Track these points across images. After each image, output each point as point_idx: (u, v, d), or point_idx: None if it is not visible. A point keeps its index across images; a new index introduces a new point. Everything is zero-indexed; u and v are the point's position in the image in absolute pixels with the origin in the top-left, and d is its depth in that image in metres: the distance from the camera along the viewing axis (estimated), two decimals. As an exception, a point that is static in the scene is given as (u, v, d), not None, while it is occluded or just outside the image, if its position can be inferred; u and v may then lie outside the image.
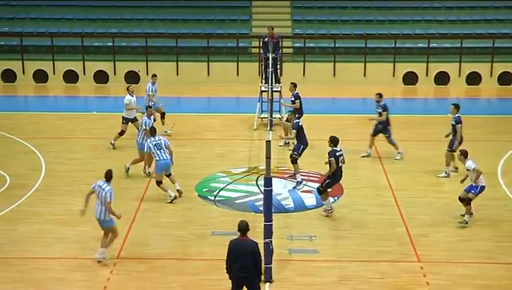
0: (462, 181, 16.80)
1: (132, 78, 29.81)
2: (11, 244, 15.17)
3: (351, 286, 13.92)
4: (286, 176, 19.40)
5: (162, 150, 17.76)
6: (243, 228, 12.38)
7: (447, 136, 19.56)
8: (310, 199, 18.04)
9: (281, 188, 18.40)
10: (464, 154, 16.59)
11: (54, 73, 30.05)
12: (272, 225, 14.01)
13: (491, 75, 29.77)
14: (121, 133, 21.34)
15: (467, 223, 16.30)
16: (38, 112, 25.81)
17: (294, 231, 16.21)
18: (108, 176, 14.68)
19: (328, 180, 16.89)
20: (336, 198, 18.14)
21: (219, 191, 18.50)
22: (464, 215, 16.46)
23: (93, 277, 14.21)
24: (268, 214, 13.96)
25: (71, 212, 17.18)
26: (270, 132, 16.88)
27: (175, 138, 22.44)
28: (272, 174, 14.08)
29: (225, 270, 12.48)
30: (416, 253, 15.23)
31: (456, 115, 19.31)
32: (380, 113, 20.52)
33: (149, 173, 19.17)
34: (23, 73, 30.04)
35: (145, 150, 18.05)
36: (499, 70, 29.80)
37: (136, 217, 16.97)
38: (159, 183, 17.85)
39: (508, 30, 31.10)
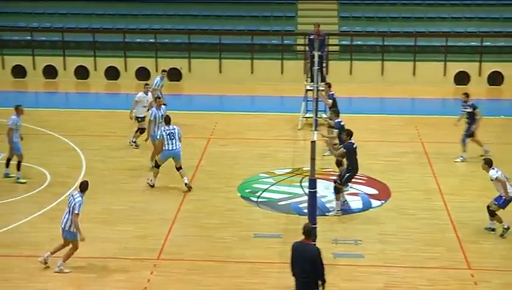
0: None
1: (174, 75, 30.01)
2: (51, 243, 15.36)
3: (398, 293, 13.84)
4: (331, 177, 19.33)
5: (174, 140, 18.24)
6: (307, 231, 12.18)
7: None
8: (355, 202, 17.96)
9: (325, 190, 18.34)
10: (488, 163, 16.10)
11: (95, 69, 30.39)
12: (316, 227, 13.96)
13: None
14: (141, 131, 21.46)
15: (508, 229, 16.00)
16: (79, 109, 26.14)
17: (339, 234, 16.15)
18: (83, 187, 14.42)
19: (347, 174, 16.92)
20: (382, 201, 18.03)
21: (262, 193, 18.53)
22: (505, 228, 16.03)
23: (133, 278, 14.34)
24: (312, 217, 13.92)
25: (111, 211, 17.41)
26: (315, 132, 16.82)
27: (217, 137, 22.56)
28: (316, 176, 14.05)
29: (291, 273, 12.33)
30: (467, 260, 15.05)
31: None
32: (469, 113, 20.49)
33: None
34: (64, 69, 30.44)
35: (158, 136, 18.52)
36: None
37: (176, 217, 17.08)
38: (156, 166, 18.40)
39: None
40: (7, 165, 19.07)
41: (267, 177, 19.53)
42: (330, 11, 32.16)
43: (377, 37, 30.59)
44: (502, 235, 15.98)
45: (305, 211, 16.00)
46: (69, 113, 25.56)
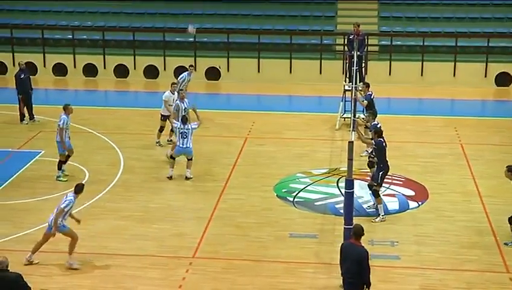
0: None
1: (212, 74, 30.14)
2: (88, 240, 15.59)
3: (434, 295, 13.75)
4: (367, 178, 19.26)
5: (186, 139, 18.97)
6: (357, 232, 12.20)
7: None
8: (392, 203, 17.87)
9: (361, 191, 18.28)
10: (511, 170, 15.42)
11: (134, 68, 30.65)
12: (352, 228, 13.93)
13: None
14: (161, 129, 21.65)
15: None
16: (119, 107, 26.38)
17: (375, 235, 16.08)
18: (78, 189, 14.74)
19: (380, 173, 16.81)
20: (420, 203, 17.92)
21: (298, 192, 18.54)
22: None
23: (169, 275, 14.47)
24: (348, 217, 13.91)
25: (148, 209, 17.56)
26: (353, 132, 16.79)
27: (254, 136, 22.61)
28: (353, 176, 14.02)
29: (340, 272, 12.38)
30: (505, 263, 14.89)
31: None
32: None
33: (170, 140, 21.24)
34: (104, 68, 30.73)
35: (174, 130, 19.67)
36: None
37: (213, 216, 17.17)
38: (172, 157, 19.34)
39: None
40: (59, 167, 19.19)
41: (304, 177, 19.53)
42: (370, 11, 32.02)
43: (417, 38, 30.36)
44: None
45: (342, 211, 16.00)
46: (108, 111, 25.83)
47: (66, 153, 19.17)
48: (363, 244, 12.17)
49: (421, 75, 29.47)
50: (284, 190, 18.76)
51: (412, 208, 17.69)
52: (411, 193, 18.53)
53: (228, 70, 30.25)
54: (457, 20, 31.16)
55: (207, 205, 17.72)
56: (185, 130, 18.97)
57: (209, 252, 15.44)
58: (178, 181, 19.21)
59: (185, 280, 14.32)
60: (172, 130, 21.51)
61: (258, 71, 30.07)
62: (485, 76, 29.22)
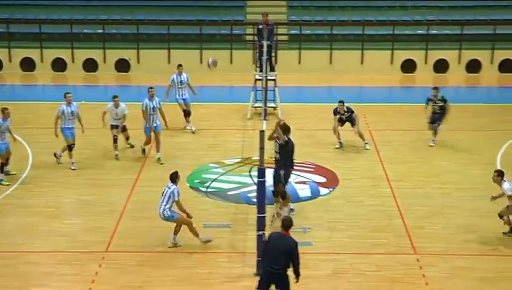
0: (494, 199, 15.53)
1: (122, 66, 29.83)
2: (-1, 237, 15.28)
3: (346, 279, 14.03)
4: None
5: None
6: (288, 223, 12.31)
7: None
8: (304, 190, 18.12)
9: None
10: (501, 175, 15.34)
11: (41, 61, 30.00)
12: (265, 217, 14.09)
13: (491, 63, 29.80)
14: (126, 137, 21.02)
15: None
16: (26, 101, 25.78)
17: (288, 223, 16.24)
18: (173, 178, 15.24)
19: (287, 171, 16.34)
20: (331, 189, 18.23)
21: (211, 183, 18.58)
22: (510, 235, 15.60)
23: (82, 271, 14.30)
24: (261, 206, 14.04)
25: (60, 204, 17.31)
26: (264, 121, 16.91)
27: (167, 127, 22.47)
28: (265, 165, 14.15)
29: (262, 264, 12.43)
30: (413, 245, 15.34)
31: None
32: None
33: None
34: (10, 61, 29.99)
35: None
36: (500, 58, 29.80)
37: (125, 209, 17.04)
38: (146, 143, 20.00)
39: (510, 16, 31.10)
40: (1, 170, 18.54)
41: (217, 167, 19.59)
42: (279, 1, 32.25)
43: (325, 26, 30.77)
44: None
45: (255, 200, 16.14)
46: (15, 105, 25.18)
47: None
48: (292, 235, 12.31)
49: (330, 63, 29.94)
50: (196, 181, 18.77)
51: (323, 195, 17.99)
52: (322, 179, 18.84)
53: (138, 61, 30.00)
54: (364, 9, 31.73)
55: (119, 198, 17.58)
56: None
57: (123, 245, 15.33)
58: (90, 175, 18.98)
59: (98, 274, 14.18)
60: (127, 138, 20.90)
61: (169, 62, 29.88)
62: (391, 63, 29.93)
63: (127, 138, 20.84)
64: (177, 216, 15.13)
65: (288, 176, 16.63)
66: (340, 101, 20.80)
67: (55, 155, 19.72)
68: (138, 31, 30.17)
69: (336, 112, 20.79)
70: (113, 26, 30.76)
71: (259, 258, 13.85)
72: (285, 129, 16.46)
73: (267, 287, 12.38)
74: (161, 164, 19.49)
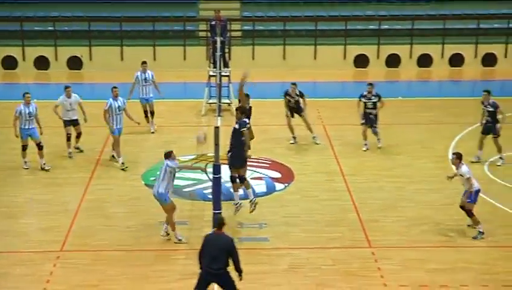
0: (450, 179, 15.83)
1: (75, 63, 29.52)
2: None
3: (302, 274, 14.12)
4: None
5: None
6: (220, 222, 12.27)
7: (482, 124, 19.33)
8: (260, 186, 18.17)
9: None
10: (460, 158, 15.49)
11: (-8, 59, 29.57)
12: (221, 213, 14.11)
13: (442, 57, 30.21)
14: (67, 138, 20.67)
15: (483, 234, 15.46)
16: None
17: (244, 218, 16.31)
18: (168, 154, 15.31)
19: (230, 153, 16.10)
20: (286, 184, 18.31)
21: (167, 180, 18.48)
22: (474, 227, 15.62)
23: (37, 271, 14.16)
24: (217, 202, 14.07)
25: (13, 204, 17.08)
26: (219, 117, 16.91)
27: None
28: (220, 161, 14.16)
29: (198, 265, 12.34)
30: (368, 239, 15.50)
31: (491, 101, 19.12)
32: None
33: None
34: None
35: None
36: (451, 52, 30.21)
37: (80, 208, 16.90)
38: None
39: (459, 11, 31.53)
40: None
41: (172, 165, 19.48)
42: (232, -3, 32.23)
43: (278, 22, 30.85)
44: (474, 238, 15.47)
45: (210, 196, 16.13)
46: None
47: None
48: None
49: (284, 58, 30.04)
50: (152, 178, 18.65)
51: (279, 190, 18.07)
52: (277, 175, 18.91)
53: (91, 59, 29.70)
54: (317, 4, 31.87)
55: (74, 197, 17.42)
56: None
57: (78, 244, 15.20)
58: (43, 174, 18.78)
59: (52, 274, 14.04)
60: (79, 137, 20.49)
61: (122, 59, 29.69)
62: (344, 58, 30.14)
63: (78, 135, 20.26)
64: (169, 202, 15.06)
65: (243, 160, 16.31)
66: (293, 83, 20.86)
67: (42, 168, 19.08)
68: (90, 28, 29.86)
69: (286, 94, 20.80)
70: (64, 23, 30.40)
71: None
72: (243, 111, 16.40)
73: (205, 287, 12.29)
74: (126, 167, 19.17)
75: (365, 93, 20.58)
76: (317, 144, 20.82)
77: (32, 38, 29.92)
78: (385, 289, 13.67)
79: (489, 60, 30.26)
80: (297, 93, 20.84)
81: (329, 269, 14.27)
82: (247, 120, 16.27)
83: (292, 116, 20.99)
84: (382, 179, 18.57)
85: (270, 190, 18.04)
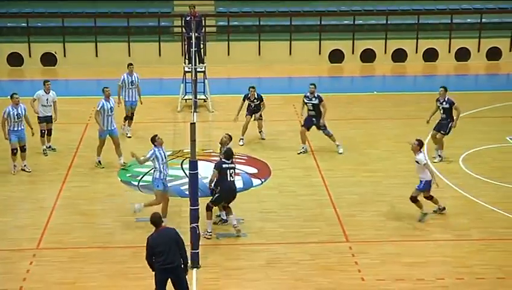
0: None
1: (49, 60, 29.29)
2: None
3: (280, 269, 14.13)
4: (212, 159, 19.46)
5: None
6: (157, 221, 12.13)
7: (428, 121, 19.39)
8: (236, 182, 18.06)
9: (206, 172, 18.41)
10: (421, 145, 15.88)
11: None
12: (198, 209, 14.08)
13: (416, 52, 30.36)
14: (48, 133, 20.12)
15: (426, 215, 15.90)
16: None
17: (221, 214, 16.27)
18: (152, 140, 15.90)
19: (216, 195, 15.39)
20: (263, 180, 18.31)
21: (143, 176, 18.43)
22: (424, 213, 15.98)
23: (12, 269, 14.06)
24: (194, 199, 14.03)
25: (-12, 202, 16.93)
26: (195, 113, 16.90)
27: (95, 122, 22.17)
28: (197, 157, 14.13)
29: (150, 268, 12.25)
30: (345, 233, 15.55)
31: (448, 98, 19.09)
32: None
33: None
34: None
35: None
36: (424, 47, 30.37)
37: (56, 205, 16.78)
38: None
39: (431, 6, 31.74)
40: None
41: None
42: (206, -8, 32.14)
43: (253, 17, 30.83)
44: (420, 221, 15.89)
45: (187, 193, 16.07)
46: None
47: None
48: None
49: (259, 54, 30.03)
50: (128, 175, 18.60)
51: (255, 185, 18.07)
52: (254, 170, 18.91)
53: (65, 55, 29.50)
54: (291, 0, 31.87)
55: (49, 194, 17.31)
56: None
57: (54, 242, 15.10)
58: (18, 172, 18.58)
59: (29, 272, 13.93)
60: (50, 135, 20.12)
61: (96, 55, 29.51)
62: (319, 53, 30.19)
63: (49, 133, 19.92)
64: (159, 189, 15.56)
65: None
66: (252, 87, 20.75)
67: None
68: (64, 24, 29.64)
69: (245, 98, 20.67)
70: (38, 19, 30.14)
71: (194, 251, 13.88)
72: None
73: (164, 286, 12.18)
74: (128, 166, 18.87)
75: (307, 93, 19.86)
76: (262, 139, 20.79)
77: (5, 35, 29.66)
78: (363, 283, 13.73)
79: (462, 55, 30.47)
80: (256, 96, 20.66)
81: (307, 264, 14.30)
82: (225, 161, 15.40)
83: (251, 116, 20.68)
84: (358, 174, 18.64)
85: (247, 185, 18.03)
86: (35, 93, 19.77)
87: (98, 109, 18.61)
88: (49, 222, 15.94)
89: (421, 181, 15.81)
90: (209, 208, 15.32)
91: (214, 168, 15.39)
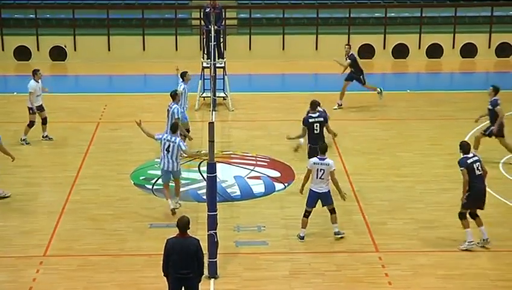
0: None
1: (58, 54, 29.50)
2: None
3: (304, 280, 14.12)
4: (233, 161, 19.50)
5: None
6: (183, 225, 12.19)
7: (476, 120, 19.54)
8: (258, 186, 18.17)
9: (226, 175, 18.47)
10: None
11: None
12: (216, 215, 14.10)
13: (453, 47, 30.23)
14: (31, 124, 20.48)
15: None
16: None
17: (241, 221, 16.32)
18: (174, 128, 16.48)
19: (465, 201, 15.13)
20: (286, 184, 18.31)
21: (157, 179, 18.48)
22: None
23: (18, 277, 14.16)
24: (212, 204, 14.04)
25: (-7, 205, 17.07)
26: (214, 112, 16.93)
27: (107, 120, 22.34)
28: (216, 160, 14.16)
29: (162, 273, 12.35)
30: (374, 242, 15.50)
31: (493, 98, 19.00)
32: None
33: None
34: None
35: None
36: (462, 42, 30.25)
37: (64, 209, 16.88)
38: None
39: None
40: None
41: (163, 163, 19.48)
42: (227, -18, 32.24)
43: (277, 9, 30.85)
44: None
45: (204, 197, 16.13)
46: None
47: None
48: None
49: (283, 49, 30.04)
50: (141, 177, 18.69)
51: (278, 190, 18.07)
52: (277, 174, 18.91)
53: (75, 49, 29.68)
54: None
55: (58, 197, 17.40)
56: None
57: (62, 249, 15.19)
58: (24, 173, 18.73)
59: (35, 281, 14.03)
60: (28, 125, 20.44)
61: (109, 50, 29.68)
62: (349, 48, 30.08)
63: (44, 121, 20.35)
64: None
65: None
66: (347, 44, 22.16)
67: None
68: (74, 15, 29.84)
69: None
70: (47, 10, 30.35)
71: (212, 260, 13.89)
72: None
73: None
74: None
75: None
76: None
77: (12, 27, 29.89)
78: (393, 296, 13.71)
79: (503, 51, 30.29)
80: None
81: (333, 275, 14.27)
82: None
83: None
84: (389, 179, 18.57)
85: (269, 190, 18.04)
86: (29, 87, 20.19)
87: (178, 116, 18.71)
88: (57, 228, 16.03)
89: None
90: (461, 216, 15.12)
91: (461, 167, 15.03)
